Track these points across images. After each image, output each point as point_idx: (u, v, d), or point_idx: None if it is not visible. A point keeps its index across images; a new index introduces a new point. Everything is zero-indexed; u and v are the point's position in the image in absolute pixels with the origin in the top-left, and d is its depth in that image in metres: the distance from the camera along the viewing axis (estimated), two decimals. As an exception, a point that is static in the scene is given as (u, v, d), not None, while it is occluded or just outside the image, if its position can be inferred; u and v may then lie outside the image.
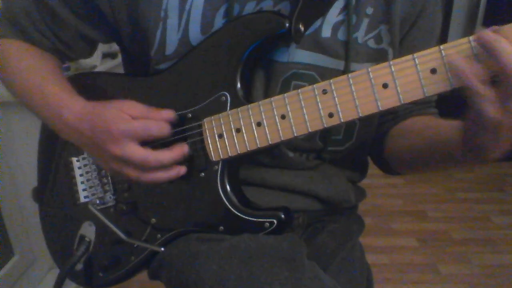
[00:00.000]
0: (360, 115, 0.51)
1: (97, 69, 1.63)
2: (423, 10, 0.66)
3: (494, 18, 2.34)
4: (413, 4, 0.65)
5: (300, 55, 0.62)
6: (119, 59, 1.85)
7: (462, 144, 0.54)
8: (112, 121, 0.56)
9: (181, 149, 0.59)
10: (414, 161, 0.71)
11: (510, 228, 2.04)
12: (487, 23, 2.35)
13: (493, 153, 0.50)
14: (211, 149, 0.60)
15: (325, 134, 0.68)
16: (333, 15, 0.62)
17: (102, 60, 1.78)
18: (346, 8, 0.62)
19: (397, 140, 0.72)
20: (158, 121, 0.58)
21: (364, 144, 0.74)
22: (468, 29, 2.50)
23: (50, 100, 0.62)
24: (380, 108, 0.50)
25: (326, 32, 0.62)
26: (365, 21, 0.63)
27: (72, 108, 0.60)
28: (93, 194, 0.71)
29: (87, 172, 0.71)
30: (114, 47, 1.86)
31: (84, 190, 0.72)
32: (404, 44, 0.68)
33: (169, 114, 0.59)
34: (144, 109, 0.59)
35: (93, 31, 0.68)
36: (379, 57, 0.66)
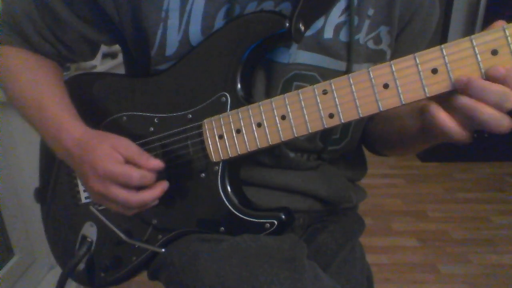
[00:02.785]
0: (361, 115, 0.51)
1: (97, 69, 1.63)
2: (415, 13, 0.66)
3: (494, 18, 2.33)
4: (408, 6, 0.65)
5: (302, 56, 0.62)
6: (119, 59, 1.85)
7: (422, 135, 0.57)
8: (100, 158, 0.57)
9: (162, 187, 0.60)
10: (390, 144, 0.74)
11: (510, 228, 2.04)
12: (487, 23, 2.34)
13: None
14: (211, 149, 0.60)
15: (325, 134, 0.68)
16: (335, 16, 0.62)
17: (102, 60, 1.78)
18: (348, 9, 0.62)
19: (376, 125, 0.75)
20: (143, 170, 0.58)
21: (357, 139, 0.75)
22: (468, 29, 2.50)
23: (49, 121, 0.62)
24: (381, 109, 0.50)
25: (328, 33, 0.62)
26: (367, 22, 0.63)
27: (71, 132, 0.61)
28: None
29: None
30: (114, 47, 1.85)
31: (85, 191, 0.72)
32: (395, 44, 0.68)
33: (157, 164, 0.59)
34: (136, 153, 0.59)
35: (97, 33, 0.67)
36: (377, 58, 0.66)
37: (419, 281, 1.69)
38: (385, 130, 0.72)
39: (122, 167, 0.57)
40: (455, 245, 1.92)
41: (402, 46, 0.68)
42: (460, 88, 0.46)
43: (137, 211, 0.61)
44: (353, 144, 0.74)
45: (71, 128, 0.61)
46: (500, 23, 0.45)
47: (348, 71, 0.63)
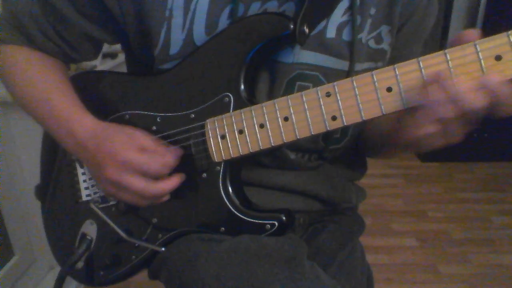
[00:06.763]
0: (364, 118, 0.51)
1: (97, 69, 1.63)
2: (413, 12, 0.66)
3: (494, 18, 2.33)
4: (408, 6, 0.65)
5: (305, 56, 0.62)
6: (119, 59, 1.84)
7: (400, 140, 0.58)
8: (119, 146, 0.57)
9: (178, 180, 0.60)
10: (375, 147, 0.76)
11: (510, 228, 2.04)
12: (487, 23, 2.35)
13: (428, 149, 0.54)
14: (213, 150, 0.60)
15: (327, 134, 0.68)
16: (338, 15, 0.62)
17: (102, 60, 1.78)
18: (350, 8, 0.62)
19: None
20: (162, 160, 0.58)
21: (355, 137, 0.75)
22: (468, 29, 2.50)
23: (59, 114, 0.62)
24: (384, 112, 0.50)
25: (331, 33, 0.62)
26: (369, 22, 0.63)
27: (83, 123, 0.61)
28: (95, 193, 0.71)
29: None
30: (114, 47, 1.85)
31: (86, 188, 0.72)
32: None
33: (175, 153, 0.59)
34: (154, 143, 0.59)
35: (100, 32, 0.67)
36: (378, 57, 0.66)
37: (419, 281, 1.70)
38: (369, 131, 0.73)
39: (142, 156, 0.57)
40: (455, 245, 1.92)
41: (397, 44, 0.68)
42: (430, 79, 0.47)
43: (149, 203, 0.60)
44: (352, 142, 0.74)
45: (83, 119, 0.61)
46: (467, 33, 0.47)
47: (350, 70, 0.63)
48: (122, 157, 0.56)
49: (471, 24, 2.48)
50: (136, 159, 0.56)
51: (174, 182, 0.59)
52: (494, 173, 2.60)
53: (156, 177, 0.58)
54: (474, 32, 0.46)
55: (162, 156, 0.58)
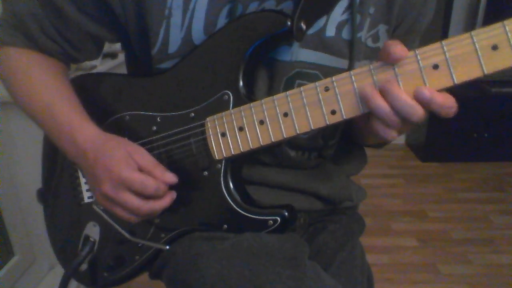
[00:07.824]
0: (363, 111, 0.51)
1: (97, 69, 1.63)
2: (408, 13, 0.66)
3: (494, 18, 2.33)
4: (404, 7, 0.65)
5: (304, 54, 0.62)
6: (119, 59, 1.85)
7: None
8: (117, 162, 0.57)
9: (170, 197, 0.60)
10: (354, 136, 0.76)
11: (510, 228, 2.04)
12: (487, 23, 2.35)
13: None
14: (214, 148, 0.60)
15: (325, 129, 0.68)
16: (337, 14, 0.62)
17: (102, 60, 1.78)
18: (350, 7, 0.62)
19: None
20: (159, 182, 0.58)
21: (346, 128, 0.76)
22: (468, 29, 2.50)
23: (61, 121, 0.62)
24: None
25: (331, 31, 0.62)
26: (368, 20, 0.63)
27: (84, 132, 0.61)
28: None
29: None
30: (114, 47, 1.86)
31: (88, 190, 0.72)
32: None
33: (171, 178, 0.59)
34: (152, 164, 0.58)
35: (101, 30, 0.67)
36: (374, 55, 0.66)
37: (419, 281, 1.70)
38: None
39: (139, 175, 0.56)
40: (455, 245, 1.92)
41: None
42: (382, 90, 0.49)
43: (140, 220, 0.60)
44: (344, 134, 0.75)
45: (84, 128, 0.61)
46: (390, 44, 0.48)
47: (350, 69, 0.63)
48: (119, 174, 0.56)
49: (471, 24, 2.49)
50: (132, 178, 0.56)
51: (165, 201, 0.59)
52: (494, 173, 2.61)
53: (151, 197, 0.58)
54: (396, 43, 0.48)
55: (158, 177, 0.58)
